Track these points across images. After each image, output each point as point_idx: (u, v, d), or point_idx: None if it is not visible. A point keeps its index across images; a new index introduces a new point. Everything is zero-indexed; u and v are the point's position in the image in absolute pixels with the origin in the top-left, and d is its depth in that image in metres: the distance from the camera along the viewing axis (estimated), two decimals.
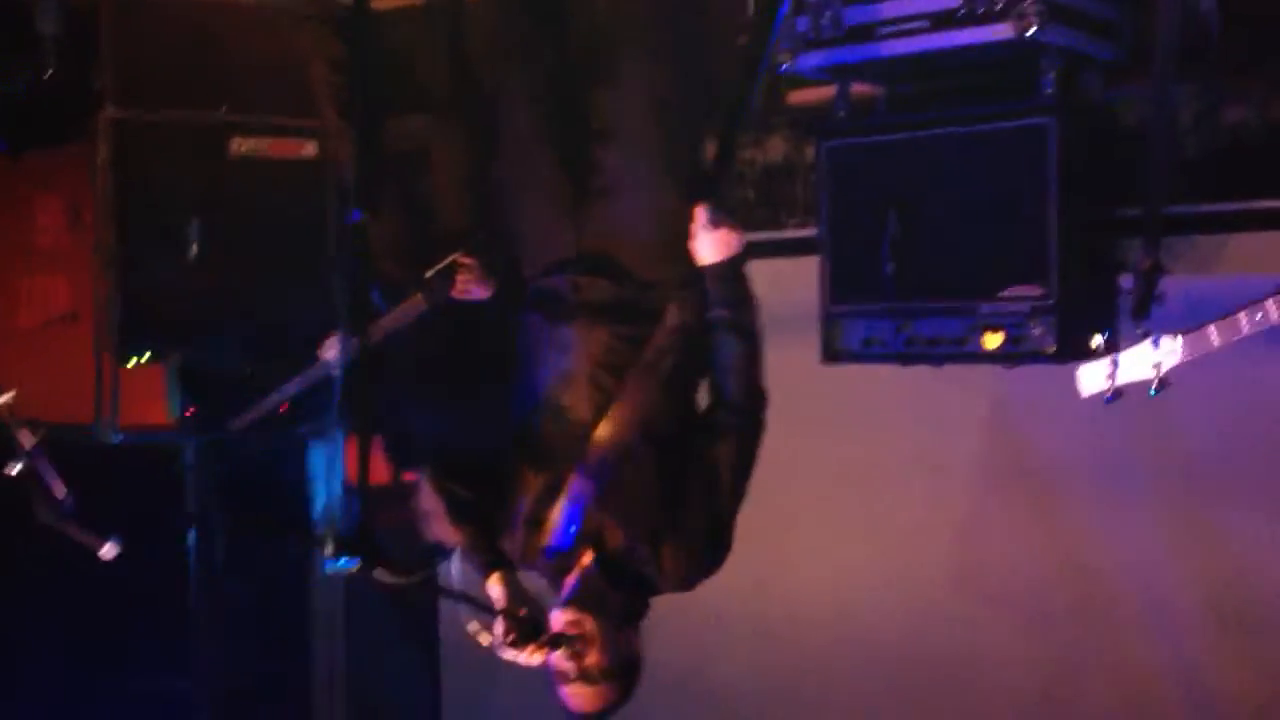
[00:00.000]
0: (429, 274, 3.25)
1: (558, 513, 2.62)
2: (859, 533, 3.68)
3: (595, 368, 2.63)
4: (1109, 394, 2.43)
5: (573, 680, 2.53)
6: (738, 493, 2.60)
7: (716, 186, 2.66)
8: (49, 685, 4.70)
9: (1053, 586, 3.38)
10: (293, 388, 3.60)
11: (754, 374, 2.61)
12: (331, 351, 3.47)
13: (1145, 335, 2.40)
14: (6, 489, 2.89)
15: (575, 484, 2.61)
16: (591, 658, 2.51)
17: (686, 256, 2.65)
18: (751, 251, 2.65)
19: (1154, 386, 2.37)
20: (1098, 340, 2.49)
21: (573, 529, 2.60)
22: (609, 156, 2.75)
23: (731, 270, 2.59)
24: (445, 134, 3.48)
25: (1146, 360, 2.38)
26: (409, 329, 3.30)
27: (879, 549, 3.66)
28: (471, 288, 3.24)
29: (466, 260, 3.24)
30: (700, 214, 2.57)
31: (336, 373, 3.47)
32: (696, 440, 2.63)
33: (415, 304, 3.26)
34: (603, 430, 2.61)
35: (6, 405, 3.00)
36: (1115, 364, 2.42)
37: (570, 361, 2.66)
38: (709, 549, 2.59)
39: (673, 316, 2.63)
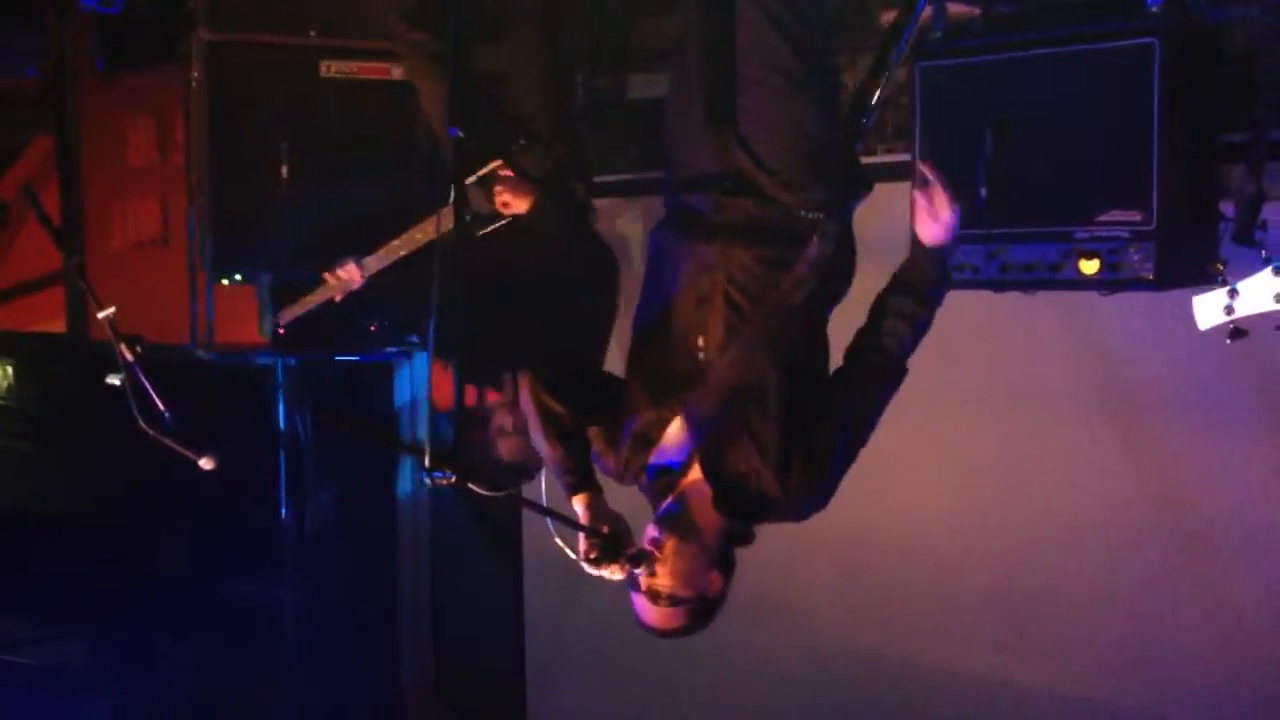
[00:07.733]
0: (467, 181, 3.13)
1: (673, 432, 2.63)
2: (946, 461, 3.67)
3: (731, 287, 2.64)
4: (1229, 333, 2.21)
5: (641, 592, 2.55)
6: (870, 431, 2.61)
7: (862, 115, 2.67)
8: (152, 590, 4.87)
9: (1143, 518, 3.35)
10: (301, 308, 3.62)
11: (919, 340, 2.62)
12: (344, 272, 3.46)
13: (1266, 263, 2.16)
14: (110, 403, 2.98)
15: (698, 405, 2.61)
16: (663, 580, 2.52)
17: (827, 179, 2.66)
18: None
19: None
20: (1219, 268, 2.29)
21: (688, 449, 2.61)
22: (751, 71, 2.72)
23: (950, 251, 2.61)
24: (516, 38, 3.41)
25: (1268, 290, 2.14)
26: (485, 245, 3.21)
27: (965, 477, 3.65)
28: (507, 199, 3.16)
29: (503, 170, 3.14)
30: (937, 195, 2.55)
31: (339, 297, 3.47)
32: (841, 371, 2.64)
33: (445, 216, 3.16)
34: (733, 354, 2.62)
35: (108, 319, 3.08)
36: (1235, 294, 2.19)
37: (707, 279, 2.66)
38: (832, 477, 2.58)
39: (814, 247, 2.63)
